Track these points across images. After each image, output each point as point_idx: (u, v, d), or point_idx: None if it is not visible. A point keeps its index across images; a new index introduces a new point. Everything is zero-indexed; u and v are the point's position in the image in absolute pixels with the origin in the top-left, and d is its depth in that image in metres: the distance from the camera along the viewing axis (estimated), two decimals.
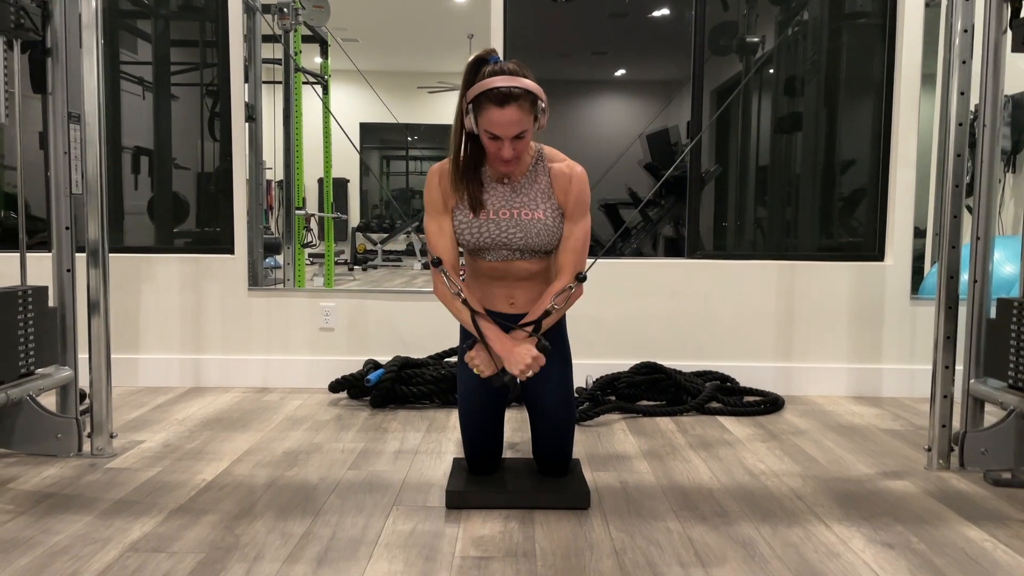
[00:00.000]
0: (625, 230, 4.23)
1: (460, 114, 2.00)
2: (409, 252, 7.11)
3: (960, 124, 2.36)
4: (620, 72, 4.25)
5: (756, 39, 3.76)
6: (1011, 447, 2.38)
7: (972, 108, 2.39)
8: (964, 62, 2.34)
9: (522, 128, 1.92)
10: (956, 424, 2.46)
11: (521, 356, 1.97)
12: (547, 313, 2.04)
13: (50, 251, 2.50)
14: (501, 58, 1.98)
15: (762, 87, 3.80)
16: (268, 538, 1.86)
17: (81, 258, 2.47)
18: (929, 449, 2.45)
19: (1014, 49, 2.37)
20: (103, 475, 2.29)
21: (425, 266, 6.84)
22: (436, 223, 2.10)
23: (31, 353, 2.38)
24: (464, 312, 2.06)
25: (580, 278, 2.06)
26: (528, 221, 2.04)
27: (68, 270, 2.51)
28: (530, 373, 1.97)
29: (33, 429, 2.44)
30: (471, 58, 1.96)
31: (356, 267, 6.36)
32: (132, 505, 2.06)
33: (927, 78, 3.53)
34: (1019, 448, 2.38)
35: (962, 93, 2.36)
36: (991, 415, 2.49)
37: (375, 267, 6.63)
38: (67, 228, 2.50)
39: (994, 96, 2.39)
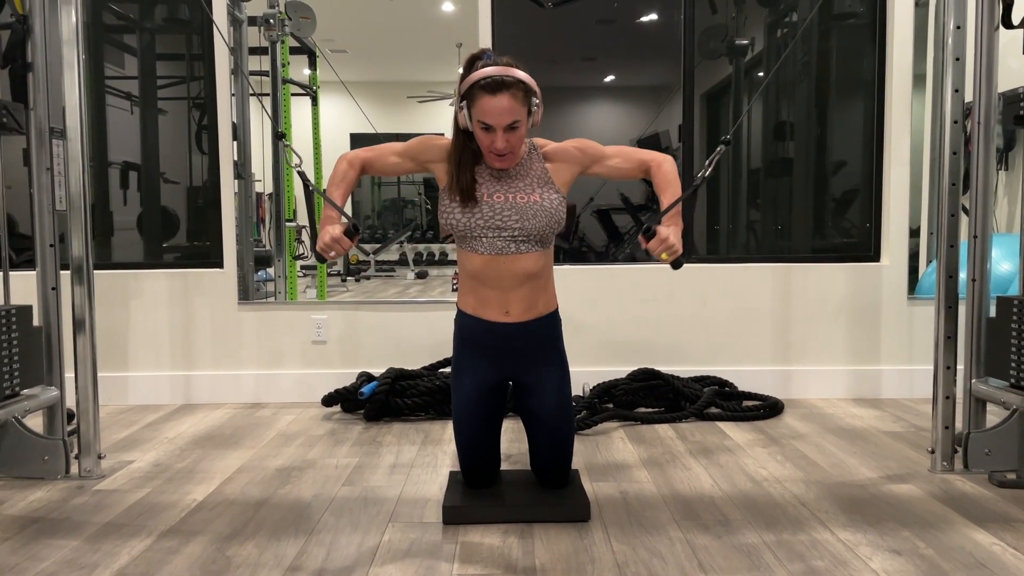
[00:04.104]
0: (618, 235, 4.20)
1: (456, 112, 1.97)
2: (402, 262, 7.07)
3: (955, 122, 2.34)
4: (609, 78, 4.23)
5: (746, 42, 3.74)
6: (1015, 447, 2.35)
7: (965, 106, 2.37)
8: (958, 59, 2.32)
9: (515, 117, 1.89)
10: (958, 425, 2.43)
11: (323, 234, 1.92)
12: (695, 181, 2.06)
13: (35, 269, 2.45)
14: (495, 57, 1.96)
15: (752, 90, 3.78)
16: (261, 559, 1.81)
17: (66, 275, 2.42)
18: (932, 451, 2.41)
19: (1005, 25, 2.32)
20: (91, 497, 2.24)
21: (419, 275, 6.82)
22: (400, 150, 2.08)
23: (16, 374, 2.32)
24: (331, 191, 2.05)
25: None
26: (524, 204, 1.99)
27: (53, 288, 2.46)
28: (332, 254, 1.92)
29: (19, 451, 2.39)
30: (467, 58, 1.94)
31: (349, 278, 6.31)
32: (121, 528, 2.00)
33: (917, 79, 3.51)
34: (1023, 448, 2.35)
35: (956, 90, 2.33)
36: (993, 415, 2.46)
37: (368, 278, 6.59)
38: (51, 245, 2.45)
39: (988, 93, 2.36)
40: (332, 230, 1.92)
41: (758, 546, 1.86)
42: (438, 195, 2.07)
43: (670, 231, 1.89)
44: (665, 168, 2.08)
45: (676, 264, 1.95)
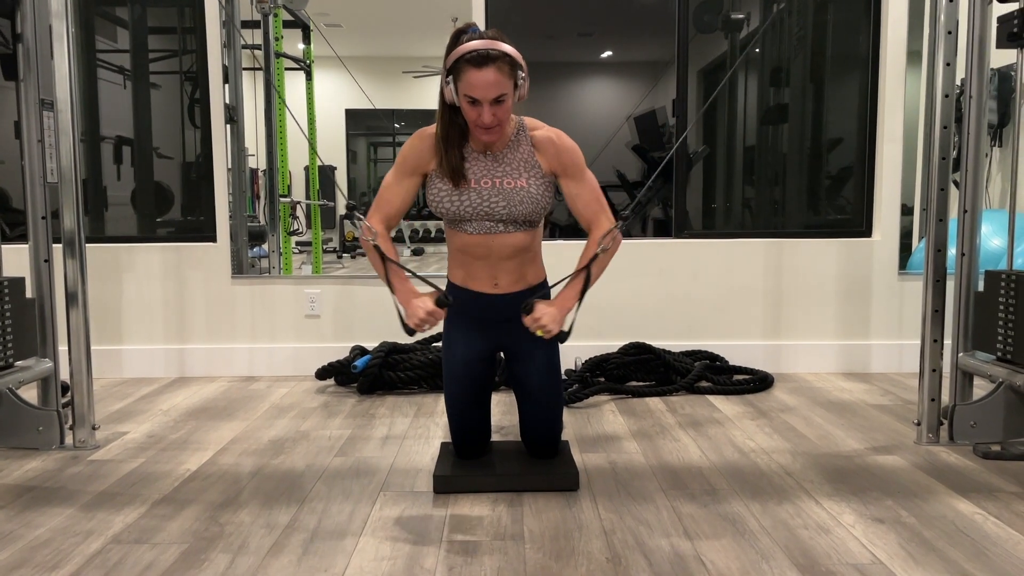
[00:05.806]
0: (613, 210, 4.20)
1: (442, 87, 1.96)
2: (398, 239, 7.07)
3: (946, 96, 2.34)
4: (606, 54, 4.20)
5: (741, 16, 3.72)
6: (1000, 419, 2.38)
7: (959, 82, 2.37)
8: (950, 32, 2.32)
9: (501, 91, 1.87)
10: (945, 398, 2.46)
11: (415, 309, 1.93)
12: (595, 257, 2.01)
13: (27, 242, 2.46)
14: (481, 31, 1.95)
15: (748, 65, 3.77)
16: (253, 527, 1.83)
17: (59, 248, 2.42)
18: (918, 423, 2.44)
19: (999, 45, 2.35)
20: (85, 467, 2.26)
21: (415, 252, 6.81)
22: (396, 177, 2.06)
23: (9, 345, 2.33)
24: (375, 257, 2.01)
25: (623, 216, 2.02)
26: (511, 189, 2.00)
27: (45, 260, 2.46)
28: (426, 328, 1.94)
29: (13, 422, 2.41)
30: (452, 32, 1.93)
31: (345, 255, 6.31)
32: (115, 497, 2.03)
33: (912, 56, 3.50)
34: (1008, 420, 2.38)
35: (948, 64, 2.33)
36: (979, 388, 2.49)
37: (363, 254, 6.59)
38: (43, 218, 2.45)
39: (980, 68, 2.36)
40: (423, 304, 1.93)
41: (743, 514, 1.89)
42: (427, 177, 2.07)
43: (548, 312, 1.95)
44: (616, 233, 2.03)
45: (559, 338, 1.99)
